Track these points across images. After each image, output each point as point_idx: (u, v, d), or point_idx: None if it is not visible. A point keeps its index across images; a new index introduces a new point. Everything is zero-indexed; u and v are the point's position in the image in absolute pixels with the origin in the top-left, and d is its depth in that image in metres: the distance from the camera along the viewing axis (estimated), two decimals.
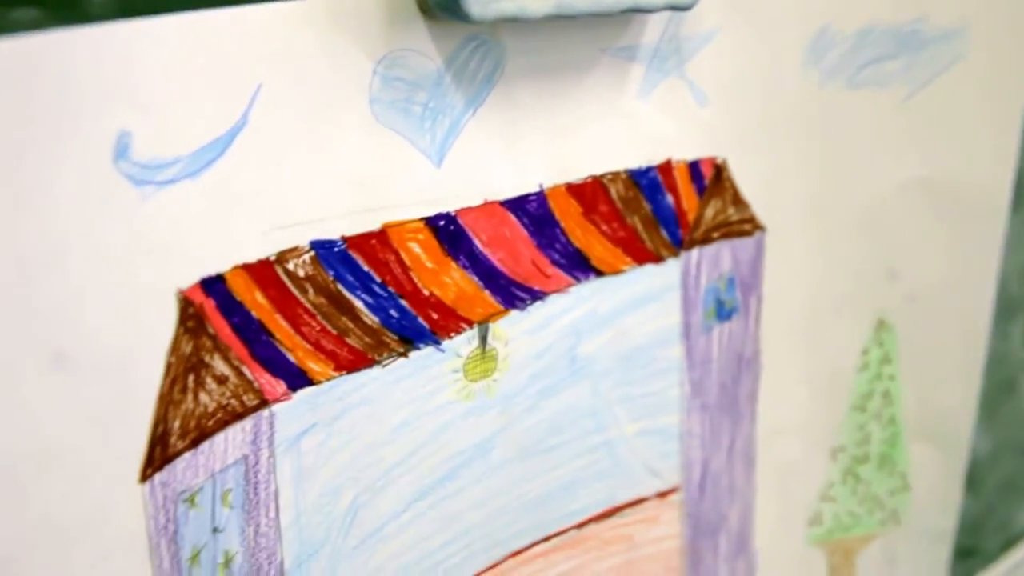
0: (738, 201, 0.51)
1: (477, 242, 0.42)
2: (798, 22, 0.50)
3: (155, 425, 0.35)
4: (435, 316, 0.42)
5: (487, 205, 0.42)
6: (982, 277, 0.58)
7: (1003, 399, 0.75)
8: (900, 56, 0.52)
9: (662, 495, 0.52)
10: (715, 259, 0.51)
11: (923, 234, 0.55)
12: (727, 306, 0.52)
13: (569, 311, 0.46)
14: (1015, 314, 0.74)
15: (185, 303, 0.35)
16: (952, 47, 0.53)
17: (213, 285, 0.36)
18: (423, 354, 0.42)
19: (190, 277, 0.35)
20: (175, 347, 0.35)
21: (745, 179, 0.50)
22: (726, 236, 0.51)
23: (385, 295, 0.40)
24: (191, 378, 0.36)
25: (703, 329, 0.51)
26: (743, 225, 0.51)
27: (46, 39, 0.31)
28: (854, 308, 0.56)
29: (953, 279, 0.57)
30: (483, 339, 0.44)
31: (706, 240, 0.50)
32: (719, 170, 0.50)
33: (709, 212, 0.50)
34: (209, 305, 0.36)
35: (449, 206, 0.41)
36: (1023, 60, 0.56)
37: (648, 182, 0.48)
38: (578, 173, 0.45)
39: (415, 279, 0.41)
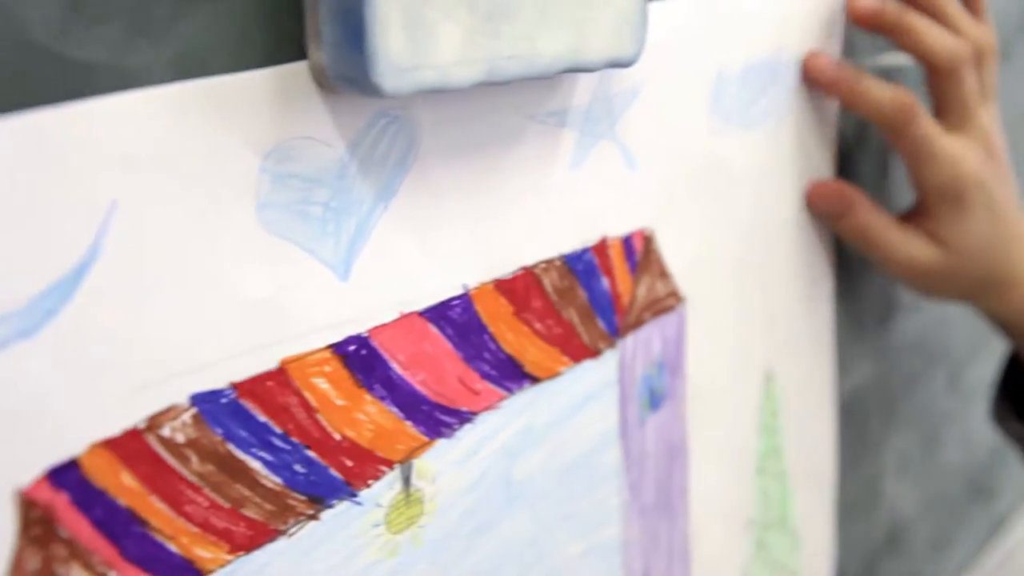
0: (664, 274, 0.44)
1: (394, 365, 0.34)
2: (701, 67, 0.44)
3: None
4: (349, 463, 0.33)
5: (404, 318, 0.34)
6: (821, 301, 0.56)
7: (928, 453, 0.71)
8: (768, 92, 0.48)
9: None
10: (647, 343, 0.44)
11: (787, 272, 0.51)
12: (658, 393, 0.45)
13: (502, 429, 0.38)
14: (934, 364, 0.71)
15: (27, 506, 0.26)
16: (796, 77, 0.50)
17: (65, 475, 0.26)
18: (337, 512, 0.33)
19: (32, 470, 0.26)
20: (17, 567, 0.26)
21: (664, 246, 0.44)
22: (654, 315, 0.44)
23: (288, 448, 0.32)
24: None
25: (639, 423, 0.44)
26: (667, 299, 0.45)
27: None
28: (751, 365, 0.51)
29: (806, 312, 0.54)
30: (406, 480, 0.35)
31: (639, 323, 0.43)
32: (648, 243, 0.43)
33: (642, 291, 0.43)
34: (61, 502, 0.26)
35: (360, 326, 0.33)
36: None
37: (584, 267, 0.40)
38: (507, 266, 0.37)
39: (323, 422, 0.32)
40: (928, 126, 0.50)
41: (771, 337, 0.52)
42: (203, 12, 0.28)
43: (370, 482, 0.34)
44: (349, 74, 0.30)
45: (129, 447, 0.28)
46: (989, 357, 0.75)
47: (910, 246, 0.52)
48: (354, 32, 0.29)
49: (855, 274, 0.59)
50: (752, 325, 0.50)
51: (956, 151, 0.50)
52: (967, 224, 0.51)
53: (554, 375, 0.40)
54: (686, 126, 0.44)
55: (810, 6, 0.50)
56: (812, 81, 0.50)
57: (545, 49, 0.33)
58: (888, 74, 0.56)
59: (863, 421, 0.63)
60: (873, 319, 0.63)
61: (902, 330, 0.66)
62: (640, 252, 0.43)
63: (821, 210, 0.52)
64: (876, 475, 0.65)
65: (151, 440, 0.28)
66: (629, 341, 0.43)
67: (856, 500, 0.64)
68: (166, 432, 0.29)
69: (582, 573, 0.43)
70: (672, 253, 0.45)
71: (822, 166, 0.54)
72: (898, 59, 0.57)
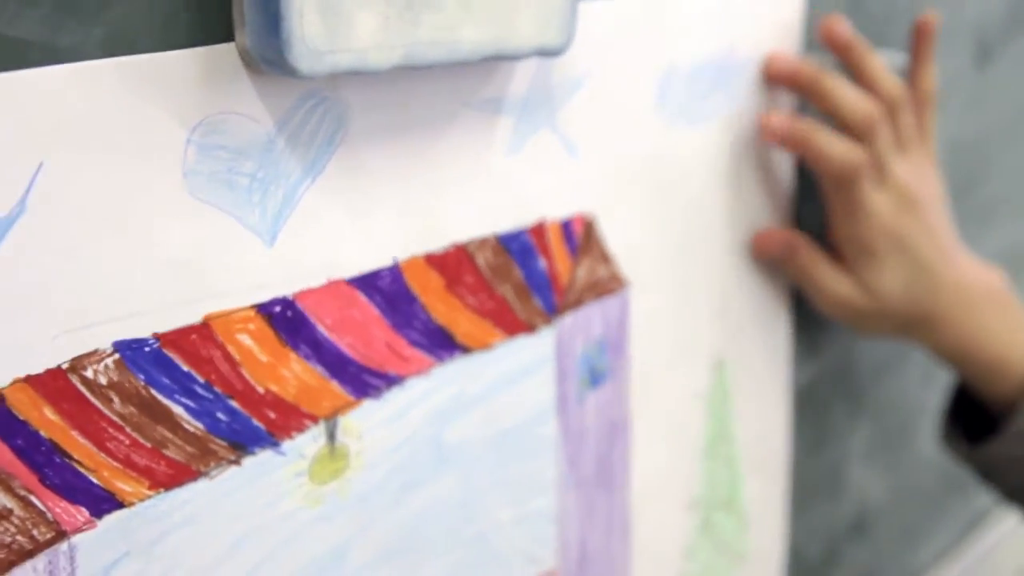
0: (606, 258, 0.46)
1: (321, 327, 0.37)
2: (649, 62, 0.46)
3: None
4: (272, 415, 0.36)
5: (331, 285, 0.37)
6: (781, 295, 0.57)
7: (901, 444, 0.72)
8: (718, 89, 0.50)
9: None
10: (587, 323, 0.46)
11: (739, 263, 0.52)
12: (598, 371, 0.47)
13: (432, 395, 0.41)
14: (908, 356, 0.72)
15: None
16: (748, 76, 0.52)
17: None
18: (259, 460, 0.36)
19: None
20: None
21: (608, 232, 0.46)
22: (596, 296, 0.46)
23: (210, 397, 0.34)
24: None
25: (577, 400, 0.47)
26: (610, 283, 0.47)
27: None
28: (699, 351, 0.53)
29: (762, 304, 0.56)
30: (331, 436, 0.38)
31: (579, 303, 0.46)
32: (589, 227, 0.45)
33: (581, 273, 0.45)
34: None
35: (286, 289, 0.36)
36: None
37: (519, 246, 0.43)
38: (439, 241, 0.40)
39: (246, 376, 0.35)
40: (869, 186, 0.53)
41: (722, 325, 0.53)
42: None
43: (294, 434, 0.37)
44: (270, 56, 0.33)
45: (51, 384, 0.31)
46: None
47: (842, 287, 0.55)
48: (272, 18, 0.32)
49: None
50: (701, 312, 0.52)
51: (871, 207, 0.53)
52: (883, 274, 0.54)
53: (487, 347, 0.42)
54: (631, 118, 0.46)
55: (767, 6, 0.52)
56: (768, 133, 0.52)
57: (467, 37, 0.36)
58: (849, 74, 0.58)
59: (825, 407, 0.64)
60: None
61: None
62: (580, 236, 0.45)
63: (768, 256, 0.55)
64: (840, 461, 0.67)
65: (74, 380, 0.31)
66: (568, 320, 0.45)
67: (818, 485, 0.65)
68: (89, 373, 0.32)
69: (514, 538, 0.46)
70: (618, 239, 0.47)
71: (780, 160, 0.55)
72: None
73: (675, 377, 0.52)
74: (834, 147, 0.52)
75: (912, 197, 0.54)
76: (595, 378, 0.47)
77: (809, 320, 0.60)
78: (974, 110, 0.72)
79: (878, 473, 0.70)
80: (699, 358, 0.53)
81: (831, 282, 0.55)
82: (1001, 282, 0.59)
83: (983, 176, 0.75)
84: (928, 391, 0.74)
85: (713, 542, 0.56)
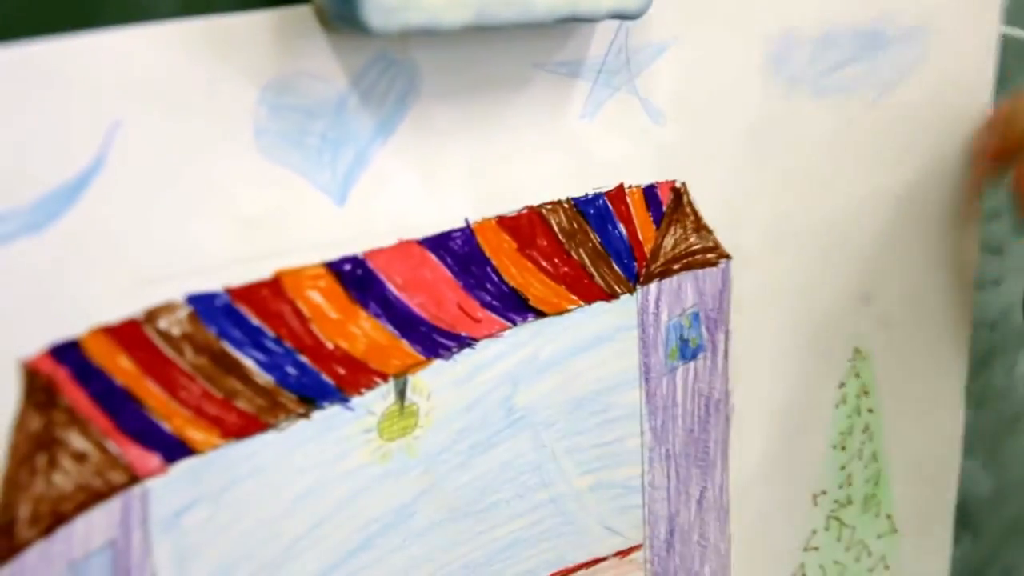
0: (700, 228, 0.45)
1: (391, 286, 0.38)
2: (757, 29, 0.45)
3: None
4: (342, 371, 0.37)
5: (402, 245, 0.38)
6: (958, 294, 0.53)
7: (1007, 437, 0.69)
8: (863, 59, 0.47)
9: (622, 553, 0.47)
10: (676, 293, 0.46)
11: (895, 250, 0.49)
12: (692, 344, 0.46)
13: (503, 357, 0.41)
14: (1020, 347, 0.68)
15: (31, 375, 0.30)
16: (914, 47, 0.49)
17: (65, 352, 0.31)
18: (328, 414, 0.37)
19: (36, 344, 0.31)
20: (20, 425, 0.31)
21: (707, 203, 0.45)
22: (688, 267, 0.45)
23: (280, 351, 0.35)
24: (42, 458, 0.31)
25: (665, 370, 0.46)
26: (707, 255, 0.46)
27: None
28: (828, 337, 0.50)
29: (928, 298, 0.52)
30: (401, 394, 0.39)
31: (666, 273, 0.45)
32: (678, 195, 0.44)
33: (668, 242, 0.45)
34: (62, 374, 0.31)
35: (356, 248, 0.36)
36: (981, 59, 0.51)
37: (596, 211, 0.42)
38: (511, 204, 0.40)
39: (316, 331, 0.36)
40: None
41: (863, 312, 0.51)
42: None
43: (363, 390, 0.38)
44: (344, 13, 0.33)
45: (126, 334, 0.32)
46: None
47: None
48: None
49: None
50: (832, 297, 0.50)
51: None
52: None
53: (561, 311, 0.42)
54: (732, 86, 0.44)
55: None
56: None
57: None
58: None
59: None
60: None
61: None
62: (667, 203, 0.44)
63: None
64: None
65: (148, 330, 0.33)
66: (652, 288, 0.45)
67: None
68: (163, 325, 0.33)
69: (592, 506, 0.45)
70: (719, 211, 0.46)
71: (951, 144, 0.52)
72: None
73: (791, 360, 0.50)
74: None
75: None
76: (687, 351, 0.47)
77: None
78: None
79: (980, 464, 0.68)
80: (824, 343, 0.51)
81: None
82: None
83: None
84: None
85: (841, 540, 0.54)
